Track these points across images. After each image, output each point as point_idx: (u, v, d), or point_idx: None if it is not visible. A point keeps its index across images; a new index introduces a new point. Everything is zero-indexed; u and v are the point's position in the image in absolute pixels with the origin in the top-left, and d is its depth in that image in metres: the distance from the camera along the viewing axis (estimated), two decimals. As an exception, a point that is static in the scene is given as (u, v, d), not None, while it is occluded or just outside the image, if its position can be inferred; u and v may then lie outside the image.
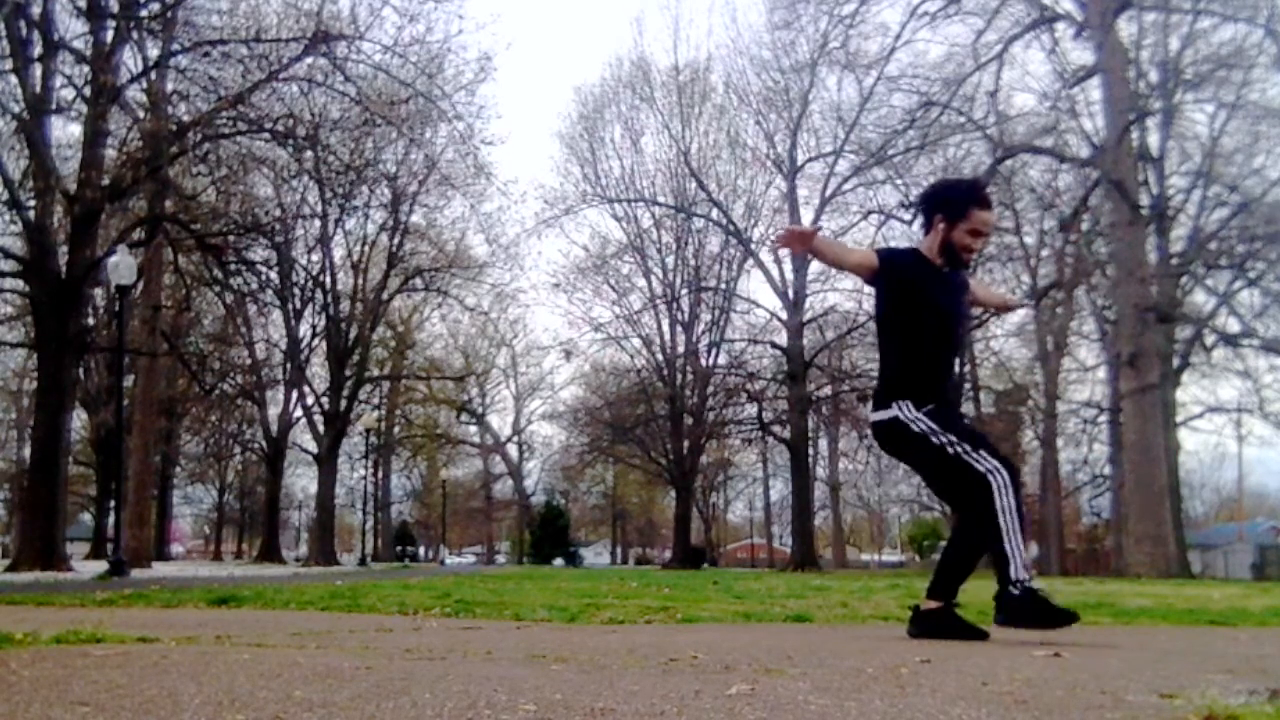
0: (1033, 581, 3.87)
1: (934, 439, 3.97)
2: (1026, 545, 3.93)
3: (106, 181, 17.80)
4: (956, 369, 4.29)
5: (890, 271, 4.15)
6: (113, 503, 20.91)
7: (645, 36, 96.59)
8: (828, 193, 35.34)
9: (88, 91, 17.83)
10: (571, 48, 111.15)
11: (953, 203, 4.16)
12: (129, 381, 27.13)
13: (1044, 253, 31.25)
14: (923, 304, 4.11)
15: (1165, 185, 26.84)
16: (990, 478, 3.85)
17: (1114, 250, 25.36)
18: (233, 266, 21.57)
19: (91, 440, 35.37)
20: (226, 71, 17.91)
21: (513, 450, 58.02)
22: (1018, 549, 3.84)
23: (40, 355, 18.04)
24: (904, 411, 4.05)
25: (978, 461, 3.89)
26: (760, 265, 37.57)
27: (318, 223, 30.47)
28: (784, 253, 4.56)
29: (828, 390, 37.10)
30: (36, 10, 17.45)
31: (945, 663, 3.01)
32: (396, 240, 32.13)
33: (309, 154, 19.74)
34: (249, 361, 34.17)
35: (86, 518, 46.56)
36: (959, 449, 3.94)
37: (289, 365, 33.82)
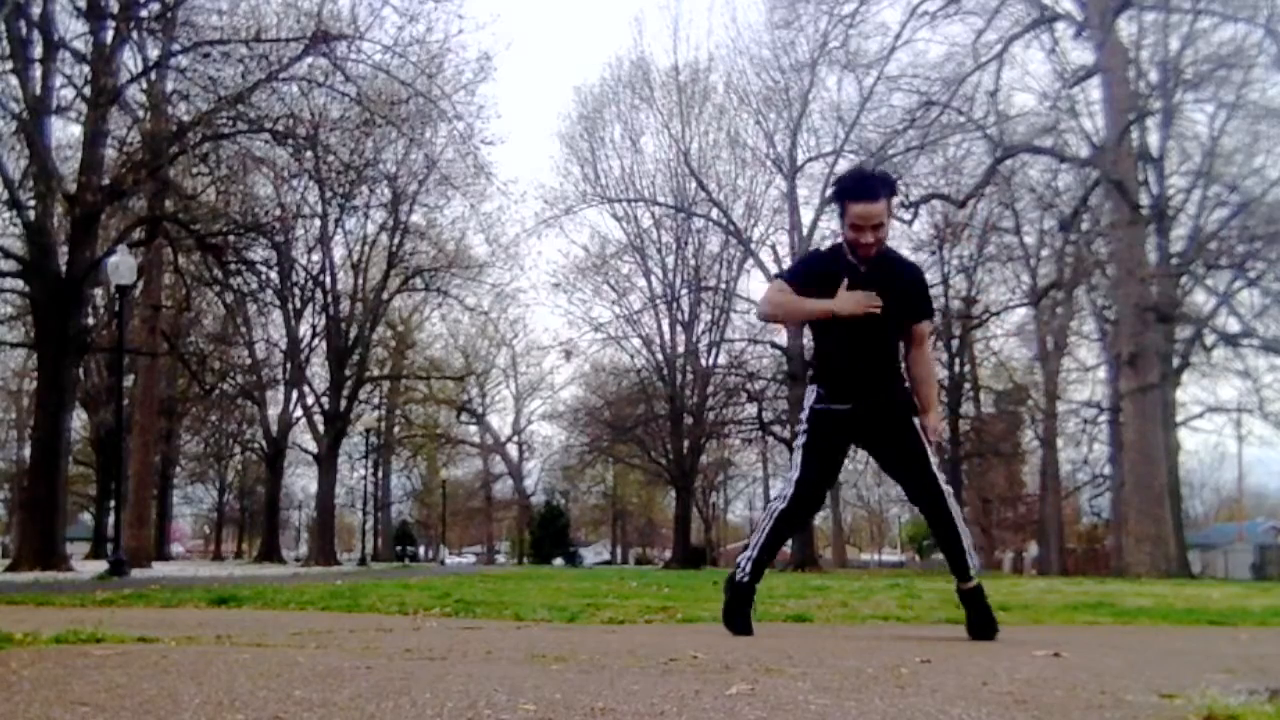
0: (746, 582, 4.21)
1: (800, 428, 4.25)
2: (765, 558, 4.22)
3: (106, 182, 17.78)
4: (864, 364, 4.10)
5: (802, 282, 4.18)
6: (113, 503, 20.93)
7: (645, 36, 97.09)
8: (828, 192, 35.32)
9: (88, 91, 17.81)
10: (571, 48, 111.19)
11: (835, 198, 4.15)
12: (129, 381, 27.14)
13: (1044, 253, 31.26)
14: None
15: (1165, 185, 26.83)
16: (777, 499, 4.22)
17: (1114, 250, 25.36)
18: (233, 266, 21.53)
19: (91, 440, 35.37)
20: (226, 71, 17.89)
21: (513, 450, 58.05)
22: (754, 544, 4.22)
23: (40, 355, 18.03)
24: (806, 398, 4.26)
25: (789, 474, 4.25)
26: (760, 265, 37.60)
27: (318, 223, 30.47)
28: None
29: (828, 390, 37.05)
30: (36, 10, 17.44)
31: (945, 663, 3.01)
32: (396, 240, 32.12)
33: (309, 154, 19.72)
34: (249, 361, 34.17)
35: (86, 518, 46.55)
36: (798, 452, 4.20)
37: (289, 365, 33.81)
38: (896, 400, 4.16)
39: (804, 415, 4.21)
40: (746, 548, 4.27)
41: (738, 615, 4.16)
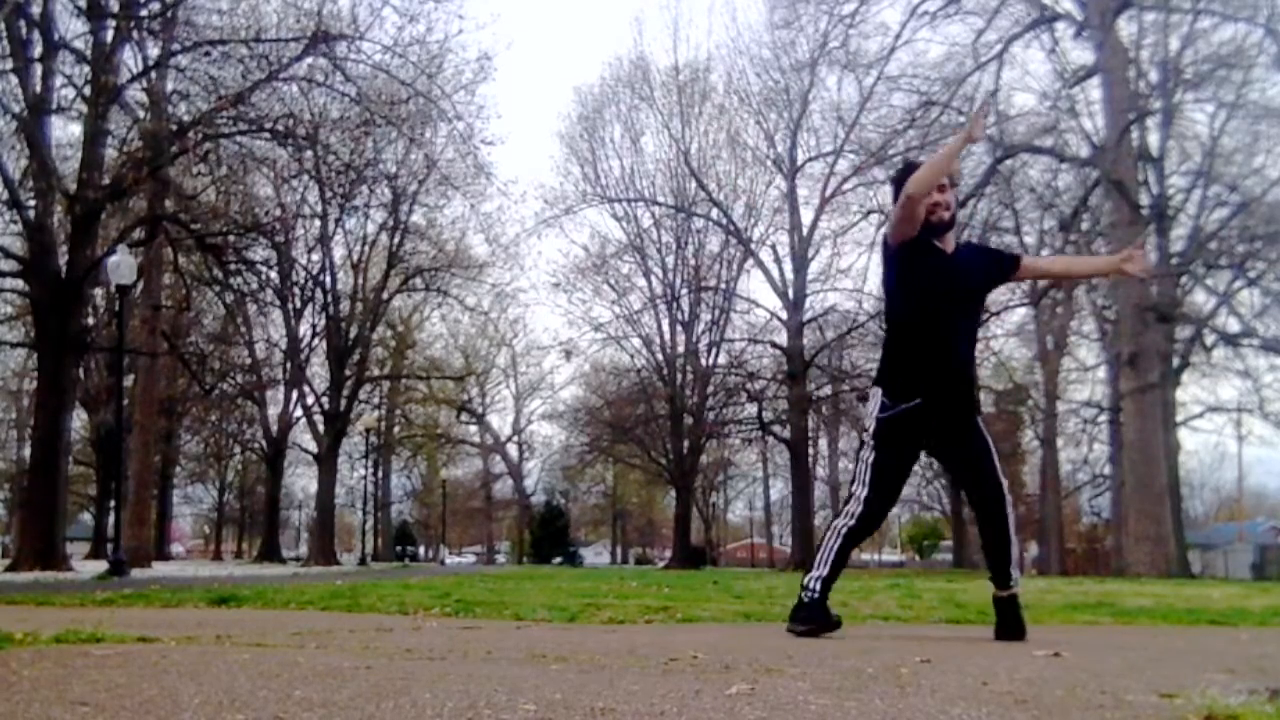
0: (817, 600, 4.10)
1: (865, 439, 4.16)
2: (835, 575, 4.14)
3: (106, 181, 17.78)
4: (956, 350, 4.10)
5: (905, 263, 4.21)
6: (113, 502, 20.91)
7: (645, 36, 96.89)
8: (828, 192, 35.37)
9: (88, 91, 17.80)
10: (571, 48, 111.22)
11: (897, 185, 4.21)
12: (129, 381, 27.11)
13: (1044, 253, 31.22)
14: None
15: (1165, 185, 26.82)
16: (843, 516, 4.14)
17: (1114, 250, 25.32)
18: (233, 266, 21.53)
19: (91, 440, 35.37)
20: (226, 71, 17.89)
21: (513, 450, 58.06)
22: (821, 562, 4.13)
23: (40, 355, 18.02)
24: (870, 406, 4.18)
25: (856, 490, 4.14)
26: (760, 265, 37.60)
27: (318, 223, 30.45)
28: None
29: (828, 390, 37.12)
30: (36, 10, 17.43)
31: (945, 663, 3.01)
32: (396, 240, 32.12)
33: (309, 154, 19.71)
34: (249, 361, 34.17)
35: (86, 518, 46.54)
36: (866, 469, 4.10)
37: (289, 365, 33.82)
38: (969, 396, 4.16)
39: (869, 427, 4.14)
40: (813, 567, 4.15)
41: (820, 615, 4.07)
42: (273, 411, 35.62)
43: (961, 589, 9.59)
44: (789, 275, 36.53)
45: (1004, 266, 4.37)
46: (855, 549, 4.26)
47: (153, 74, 18.59)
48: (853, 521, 4.09)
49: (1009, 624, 4.12)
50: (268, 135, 18.49)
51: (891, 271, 4.20)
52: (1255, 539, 43.96)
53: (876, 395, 4.15)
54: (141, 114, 18.59)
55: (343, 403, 32.52)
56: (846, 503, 4.19)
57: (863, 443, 4.22)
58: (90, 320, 24.68)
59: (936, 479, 39.51)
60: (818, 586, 4.09)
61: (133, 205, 20.10)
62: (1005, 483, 4.12)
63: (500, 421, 58.38)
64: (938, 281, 4.09)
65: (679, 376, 39.13)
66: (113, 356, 24.15)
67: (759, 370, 38.21)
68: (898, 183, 4.22)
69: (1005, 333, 35.37)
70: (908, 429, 4.08)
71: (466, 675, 2.52)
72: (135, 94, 18.96)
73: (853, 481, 4.19)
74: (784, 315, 36.62)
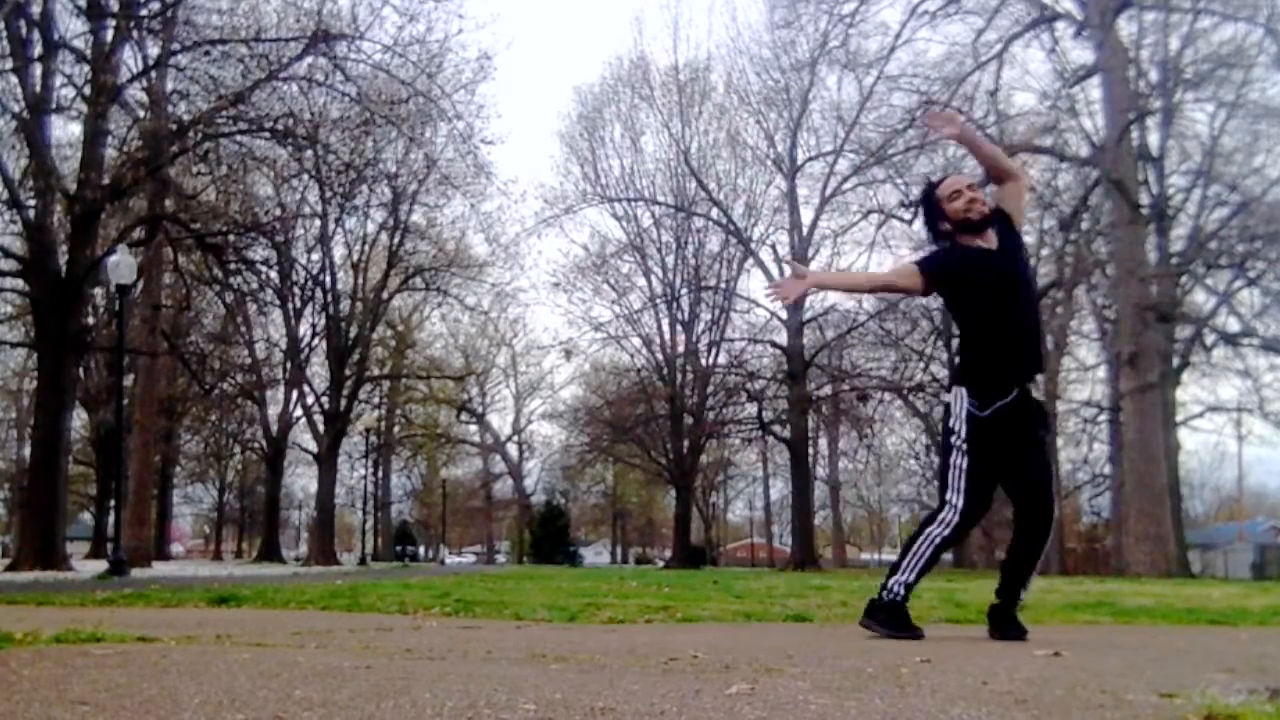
0: (900, 602, 4.06)
1: (956, 443, 4.06)
2: (918, 581, 4.10)
3: (106, 181, 17.77)
4: (1032, 337, 4.19)
5: (939, 277, 4.26)
6: (113, 502, 20.90)
7: (645, 36, 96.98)
8: (828, 192, 35.35)
9: (88, 91, 17.79)
10: (571, 48, 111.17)
11: (924, 199, 4.40)
12: (129, 381, 27.12)
13: (1044, 252, 31.23)
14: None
15: (1165, 185, 26.83)
16: (938, 525, 4.05)
17: (1114, 250, 25.36)
18: (233, 266, 21.52)
19: (91, 440, 35.36)
20: (227, 71, 17.88)
21: (513, 450, 58.04)
22: (908, 569, 4.05)
23: (40, 355, 18.02)
24: (955, 407, 4.09)
25: (949, 498, 4.04)
26: (760, 265, 37.59)
27: (318, 222, 30.45)
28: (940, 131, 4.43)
29: (828, 390, 37.08)
30: (36, 10, 17.42)
31: (945, 663, 3.01)
32: (396, 240, 32.11)
33: (309, 154, 19.70)
34: (249, 361, 34.15)
35: (86, 517, 46.54)
36: (959, 475, 4.02)
37: (289, 365, 33.81)
38: (1037, 398, 4.17)
39: (959, 429, 4.03)
40: (897, 570, 4.05)
41: (904, 619, 4.05)
42: (273, 411, 35.64)
43: (962, 589, 9.58)
44: (789, 275, 36.49)
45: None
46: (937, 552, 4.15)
47: (153, 74, 18.59)
48: (948, 531, 4.03)
49: (1006, 627, 4.13)
50: (268, 135, 18.48)
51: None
52: (1255, 539, 43.95)
53: (961, 396, 4.05)
54: (141, 114, 18.59)
55: (343, 402, 32.52)
56: (940, 510, 4.07)
57: (950, 447, 4.06)
58: (90, 320, 24.69)
59: (937, 478, 39.52)
60: (902, 591, 4.04)
61: (133, 205, 20.09)
62: (1056, 504, 4.10)
63: (500, 421, 58.45)
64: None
65: (679, 376, 39.12)
66: (113, 356, 24.16)
67: (759, 370, 38.19)
68: (926, 197, 4.38)
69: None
70: (1002, 423, 4.01)
71: (466, 675, 2.52)
72: (135, 94, 18.97)
73: (944, 489, 4.07)
74: (784, 315, 36.59)
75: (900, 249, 31.89)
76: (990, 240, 4.19)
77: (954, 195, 4.18)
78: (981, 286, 4.12)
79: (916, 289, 4.27)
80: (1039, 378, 4.20)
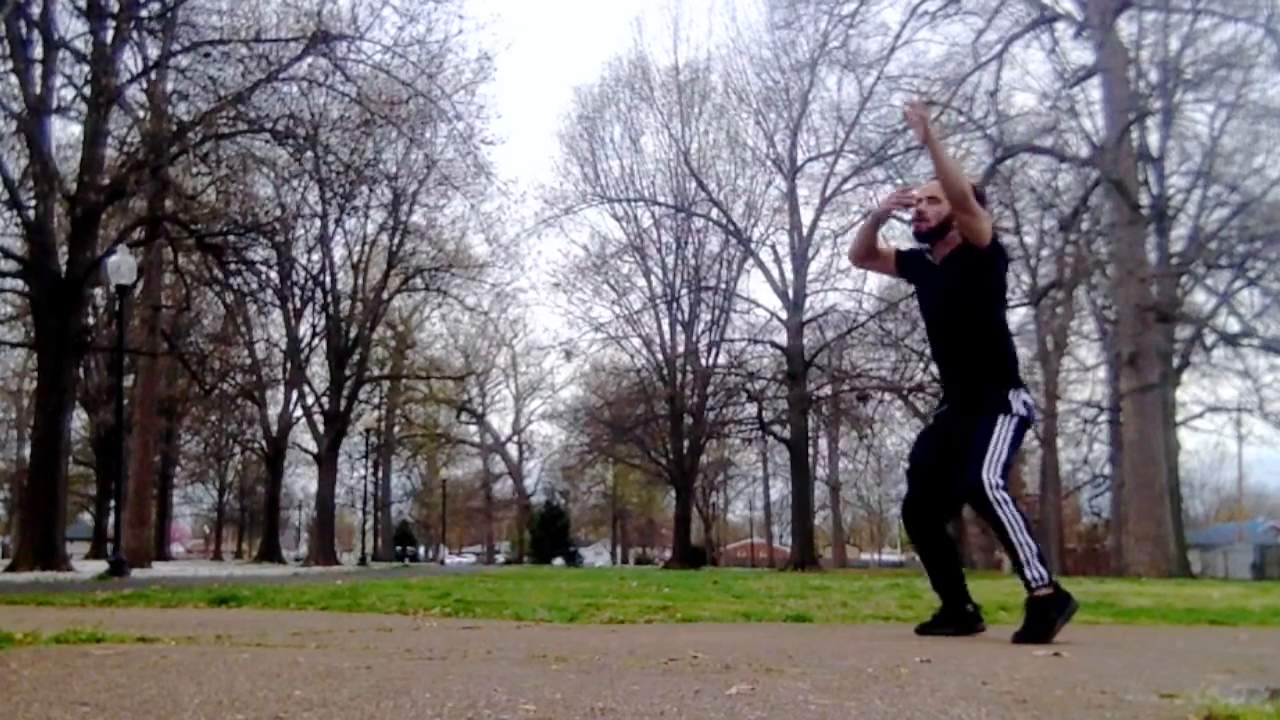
0: (1056, 583, 4.03)
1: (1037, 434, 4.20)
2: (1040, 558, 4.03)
3: (106, 181, 17.77)
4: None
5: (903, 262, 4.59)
6: (113, 503, 20.91)
7: (645, 36, 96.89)
8: (828, 192, 35.37)
9: (88, 91, 17.80)
10: (571, 48, 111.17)
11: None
12: (129, 381, 27.13)
13: (1044, 253, 31.25)
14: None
15: (1165, 185, 26.83)
16: (1016, 509, 4.03)
17: (1114, 250, 25.35)
18: (233, 266, 21.52)
19: (91, 440, 35.37)
20: (226, 71, 17.88)
21: (513, 450, 58.07)
22: (1035, 556, 4.00)
23: (40, 355, 18.02)
24: (1013, 404, 4.08)
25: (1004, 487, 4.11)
26: (760, 265, 37.60)
27: (318, 223, 30.45)
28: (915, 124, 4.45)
29: (828, 390, 37.09)
30: (36, 10, 17.42)
31: (945, 663, 3.01)
32: (396, 240, 32.10)
33: (309, 154, 19.71)
34: (249, 361, 34.16)
35: (86, 518, 46.54)
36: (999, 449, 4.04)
37: (289, 365, 33.80)
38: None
39: (1017, 426, 4.07)
40: (1027, 564, 3.93)
41: (1066, 604, 3.95)
42: (273, 411, 35.63)
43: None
44: (789, 275, 36.54)
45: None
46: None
47: (153, 74, 18.59)
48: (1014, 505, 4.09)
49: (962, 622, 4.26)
50: (268, 135, 18.49)
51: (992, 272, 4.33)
52: (1255, 539, 43.96)
53: (1019, 397, 4.10)
54: (141, 114, 18.59)
55: (343, 403, 32.51)
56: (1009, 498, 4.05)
57: (1031, 439, 4.25)
58: (90, 320, 24.68)
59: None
60: (1046, 571, 3.96)
61: (133, 205, 20.08)
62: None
63: (500, 421, 58.47)
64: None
65: (679, 376, 39.13)
66: (113, 356, 24.18)
67: (759, 370, 38.22)
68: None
69: (1005, 332, 35.31)
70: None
71: (466, 675, 2.52)
72: (135, 94, 18.97)
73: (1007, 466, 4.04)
74: (784, 315, 36.63)
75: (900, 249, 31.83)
76: (941, 254, 4.31)
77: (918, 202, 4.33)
78: (920, 298, 4.48)
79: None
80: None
